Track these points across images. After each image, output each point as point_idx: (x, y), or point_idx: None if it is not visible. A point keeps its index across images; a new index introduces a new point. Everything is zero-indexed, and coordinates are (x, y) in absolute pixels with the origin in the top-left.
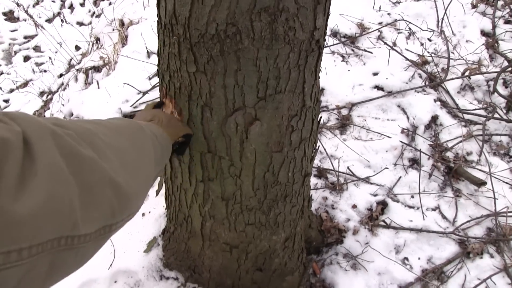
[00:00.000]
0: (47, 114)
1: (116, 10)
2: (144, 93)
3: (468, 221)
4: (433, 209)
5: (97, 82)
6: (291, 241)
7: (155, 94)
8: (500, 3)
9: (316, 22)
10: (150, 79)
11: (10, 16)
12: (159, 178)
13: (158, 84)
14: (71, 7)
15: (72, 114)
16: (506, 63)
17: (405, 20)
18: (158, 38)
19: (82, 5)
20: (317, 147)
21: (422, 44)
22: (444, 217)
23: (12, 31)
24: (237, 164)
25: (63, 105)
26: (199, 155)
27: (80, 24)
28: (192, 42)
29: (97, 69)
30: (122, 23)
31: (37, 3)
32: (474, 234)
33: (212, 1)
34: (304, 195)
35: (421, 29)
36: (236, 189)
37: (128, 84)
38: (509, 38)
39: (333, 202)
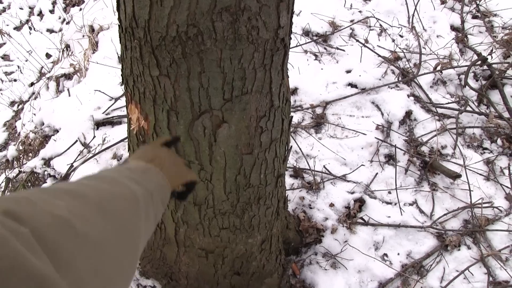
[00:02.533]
0: (18, 124)
1: (86, 16)
2: (116, 99)
3: (445, 214)
4: (410, 204)
5: (68, 90)
6: (267, 243)
7: None
8: None
9: (280, 21)
10: (122, 85)
11: None
12: None
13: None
14: (40, 14)
15: (43, 123)
16: (475, 57)
17: (375, 18)
18: (120, 43)
19: (51, 11)
20: (289, 147)
21: (393, 40)
22: (421, 211)
23: None
24: (207, 168)
25: (34, 114)
26: None
27: (51, 31)
28: (153, 45)
29: (68, 76)
30: (92, 29)
31: (3, 11)
32: (451, 226)
33: (171, 2)
34: (279, 196)
35: (391, 26)
36: (208, 193)
37: (100, 91)
38: (477, 33)
39: (310, 201)
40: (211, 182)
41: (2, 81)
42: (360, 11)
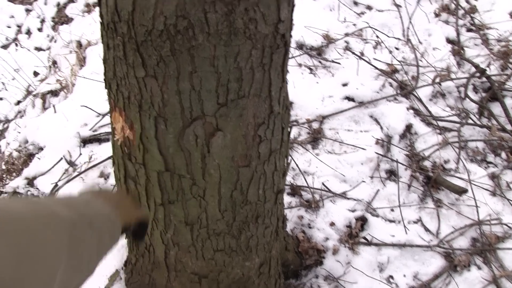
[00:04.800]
0: (3, 143)
1: (74, 31)
2: (104, 115)
3: (452, 232)
4: (415, 222)
5: (54, 106)
6: (266, 266)
7: None
8: (460, 12)
9: (280, 13)
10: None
11: None
12: None
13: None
14: (28, 32)
15: (27, 141)
16: (473, 69)
17: (371, 27)
18: (102, 41)
19: (40, 30)
20: (289, 161)
21: (390, 52)
22: (427, 229)
23: None
24: (200, 183)
25: (19, 132)
26: (156, 174)
27: (39, 49)
28: (138, 41)
29: (54, 93)
30: (80, 44)
31: None
32: (459, 245)
33: None
34: (278, 214)
35: (387, 36)
36: (201, 211)
37: (87, 107)
38: (473, 45)
39: (310, 220)
40: (204, 199)
41: None
42: (354, 24)
